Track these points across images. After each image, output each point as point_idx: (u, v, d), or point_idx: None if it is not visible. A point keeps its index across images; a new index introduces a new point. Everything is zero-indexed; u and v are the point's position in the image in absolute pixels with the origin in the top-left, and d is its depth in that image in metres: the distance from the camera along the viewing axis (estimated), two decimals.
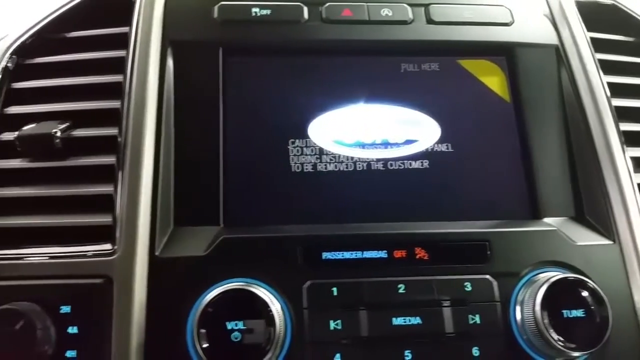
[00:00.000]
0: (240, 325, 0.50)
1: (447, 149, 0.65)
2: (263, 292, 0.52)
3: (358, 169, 0.63)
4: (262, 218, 0.61)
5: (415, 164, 0.63)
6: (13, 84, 0.65)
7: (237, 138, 0.63)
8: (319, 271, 0.56)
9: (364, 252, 0.56)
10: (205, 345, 0.49)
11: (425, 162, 0.64)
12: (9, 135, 0.62)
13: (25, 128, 0.61)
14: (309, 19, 0.68)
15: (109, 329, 0.53)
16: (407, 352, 0.53)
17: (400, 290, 0.55)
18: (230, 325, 0.50)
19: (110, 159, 0.60)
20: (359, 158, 0.63)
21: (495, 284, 0.55)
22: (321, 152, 0.63)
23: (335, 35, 0.67)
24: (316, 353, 0.53)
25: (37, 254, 0.56)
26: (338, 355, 0.52)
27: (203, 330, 0.50)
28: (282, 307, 0.52)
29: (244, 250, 0.56)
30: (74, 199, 0.59)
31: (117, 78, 0.63)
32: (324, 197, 0.61)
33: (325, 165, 0.63)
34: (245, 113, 0.64)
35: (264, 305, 0.51)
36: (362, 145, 0.64)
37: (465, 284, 0.55)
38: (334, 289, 0.54)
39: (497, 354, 0.53)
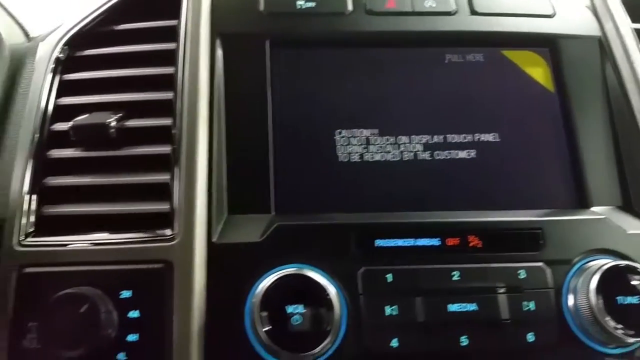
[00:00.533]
0: (300, 309, 0.51)
1: (494, 138, 0.65)
2: (320, 278, 0.52)
3: (405, 158, 0.63)
4: (312, 206, 0.61)
5: (462, 154, 0.64)
6: (65, 75, 0.66)
7: (285, 128, 0.64)
8: (373, 258, 0.56)
9: (417, 240, 0.57)
10: (266, 329, 0.50)
11: (472, 152, 0.64)
12: (62, 126, 0.63)
13: (79, 118, 0.62)
14: (353, 10, 0.68)
15: (169, 313, 0.53)
16: (462, 338, 0.53)
17: (455, 278, 0.55)
18: (290, 309, 0.51)
19: (164, 149, 0.60)
20: (405, 148, 0.63)
21: (548, 271, 0.56)
22: (368, 142, 0.64)
23: (380, 26, 0.68)
24: (373, 337, 0.53)
25: (95, 240, 0.57)
26: (395, 339, 0.53)
27: (264, 314, 0.50)
28: (337, 293, 0.53)
29: (298, 237, 0.57)
30: (127, 187, 0.60)
31: (168, 70, 0.64)
32: (371, 187, 0.62)
33: (372, 155, 0.63)
34: (292, 104, 0.65)
35: (323, 290, 0.52)
36: (409, 135, 0.64)
37: (519, 271, 0.56)
38: (389, 275, 0.55)
39: (552, 340, 0.54)
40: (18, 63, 0.74)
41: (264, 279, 0.54)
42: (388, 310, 0.54)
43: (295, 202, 0.62)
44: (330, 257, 0.56)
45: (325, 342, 0.50)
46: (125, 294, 0.54)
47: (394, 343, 0.53)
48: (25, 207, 0.59)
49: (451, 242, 0.57)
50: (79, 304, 0.51)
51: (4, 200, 0.62)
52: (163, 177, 0.59)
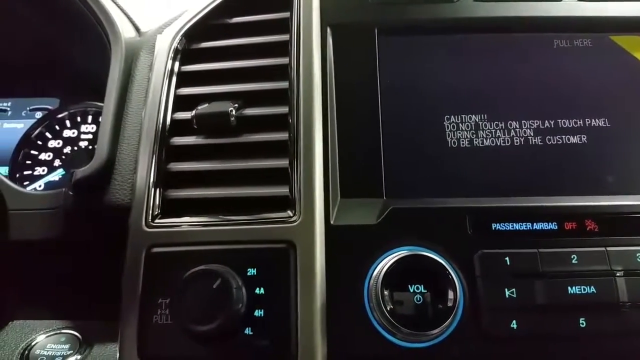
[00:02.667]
0: (421, 288, 0.52)
1: (604, 123, 0.64)
2: (439, 259, 0.54)
3: (515, 143, 0.64)
4: (422, 191, 0.63)
5: (573, 139, 0.64)
6: (183, 66, 0.70)
7: (394, 115, 0.65)
8: (489, 241, 0.57)
9: (534, 224, 0.57)
10: (387, 307, 0.52)
11: (583, 137, 0.64)
12: (184, 115, 0.67)
13: (200, 107, 0.66)
14: None
15: (292, 290, 0.56)
16: (581, 320, 0.54)
17: (574, 261, 0.55)
18: (412, 288, 0.52)
19: (281, 135, 0.63)
20: (515, 133, 0.64)
21: None
22: (477, 127, 0.64)
23: (488, 12, 0.68)
24: (491, 319, 0.54)
25: (219, 221, 0.60)
26: (514, 321, 0.53)
27: (385, 292, 0.52)
28: (455, 274, 0.54)
29: (413, 220, 0.58)
30: (246, 172, 0.63)
31: (282, 60, 0.67)
32: (481, 172, 0.63)
33: (482, 140, 0.64)
34: (401, 91, 0.66)
35: (444, 270, 0.53)
36: (519, 121, 0.64)
37: (638, 254, 0.55)
38: (507, 258, 0.55)
39: None
40: (132, 56, 0.79)
41: (382, 259, 0.56)
42: (507, 292, 0.54)
43: (406, 187, 0.63)
44: (446, 240, 0.57)
45: (446, 322, 0.51)
46: (251, 271, 0.57)
47: (513, 325, 0.53)
48: (152, 191, 0.63)
49: (568, 226, 0.57)
50: (212, 280, 0.54)
51: (128, 187, 0.66)
52: (282, 162, 0.62)
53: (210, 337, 0.54)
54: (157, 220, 0.62)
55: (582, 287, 0.54)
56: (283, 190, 0.60)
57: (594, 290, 0.54)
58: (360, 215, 0.59)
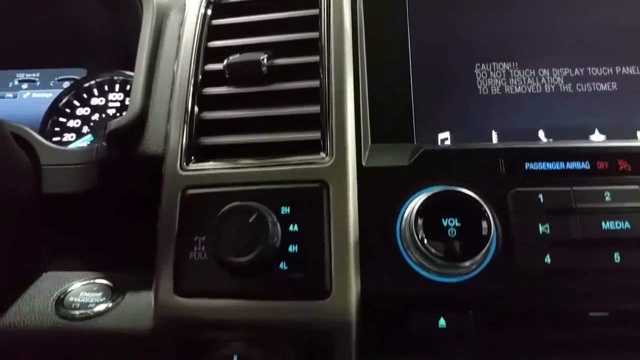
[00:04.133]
0: (455, 222, 0.52)
1: (635, 71, 0.64)
2: (473, 194, 0.54)
3: (546, 90, 0.64)
4: (453, 137, 0.63)
5: (604, 86, 0.64)
6: (214, 20, 0.71)
7: (425, 63, 0.66)
8: (522, 181, 0.57)
9: (567, 163, 0.57)
10: (423, 241, 0.53)
11: (614, 84, 0.64)
12: (215, 66, 0.68)
13: (232, 57, 0.67)
14: None
15: (325, 228, 0.57)
16: (616, 255, 0.54)
17: (607, 198, 0.55)
18: (445, 222, 0.52)
19: (312, 83, 0.64)
20: (546, 80, 0.64)
21: None
22: (507, 75, 0.65)
23: None
24: (525, 254, 0.54)
25: (251, 164, 0.61)
26: (548, 256, 0.54)
27: (420, 227, 0.52)
28: (488, 209, 0.54)
29: (446, 160, 0.59)
30: (277, 119, 0.64)
31: (312, 12, 0.68)
32: (513, 118, 0.63)
33: (513, 87, 0.64)
34: (432, 38, 0.67)
35: (477, 204, 0.53)
36: (549, 68, 0.64)
37: None
38: (540, 196, 0.56)
39: None
40: (163, 15, 0.80)
41: (414, 198, 0.56)
42: (541, 228, 0.55)
43: (436, 133, 0.63)
44: (478, 180, 0.57)
45: (480, 254, 0.52)
46: (285, 209, 0.58)
47: (547, 259, 0.54)
48: (185, 138, 0.64)
49: (601, 165, 0.58)
50: (248, 214, 0.55)
51: (161, 138, 0.68)
52: (314, 109, 0.63)
53: (246, 270, 0.54)
54: (191, 165, 0.62)
55: (616, 222, 0.54)
56: (315, 135, 0.61)
57: (628, 226, 0.54)
58: (391, 158, 0.60)
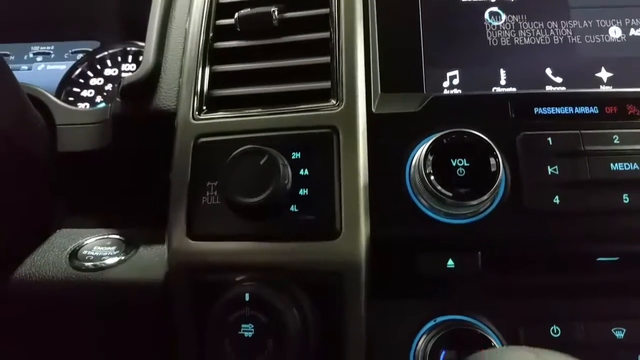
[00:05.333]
0: (465, 162, 0.53)
1: None
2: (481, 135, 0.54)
3: (555, 42, 0.64)
4: (463, 87, 0.63)
5: (612, 38, 0.64)
6: None
7: (435, 15, 0.66)
8: (531, 124, 0.57)
9: (575, 108, 0.58)
10: (432, 180, 0.53)
11: (623, 37, 0.64)
12: (226, 21, 0.69)
13: (242, 11, 0.67)
14: None
15: (335, 172, 0.58)
16: (625, 196, 0.54)
17: (616, 141, 0.56)
18: (454, 162, 0.53)
19: (322, 35, 0.65)
20: (555, 32, 0.64)
21: None
22: (517, 27, 0.65)
23: None
24: (534, 195, 0.55)
25: (264, 112, 0.62)
26: (556, 197, 0.54)
27: (429, 168, 0.53)
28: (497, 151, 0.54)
29: (455, 107, 0.60)
30: (288, 70, 0.64)
31: None
32: (522, 68, 0.63)
33: (522, 39, 0.65)
34: None
35: (486, 143, 0.53)
36: (557, 21, 0.65)
37: None
38: (549, 139, 0.56)
39: None
40: None
41: (424, 143, 0.56)
42: (549, 169, 0.55)
43: (445, 82, 0.64)
44: (488, 124, 0.57)
45: (487, 195, 0.52)
46: (295, 155, 0.58)
47: (556, 200, 0.54)
48: (197, 90, 0.65)
49: (609, 110, 0.58)
50: (259, 157, 0.56)
51: (174, 94, 0.69)
52: (324, 59, 0.63)
53: (258, 212, 0.55)
54: (203, 115, 0.63)
55: (625, 164, 0.55)
56: (325, 84, 0.62)
57: (637, 167, 0.54)
58: (401, 106, 0.60)
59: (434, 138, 0.54)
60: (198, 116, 0.63)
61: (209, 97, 0.65)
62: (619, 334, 0.56)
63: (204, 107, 0.64)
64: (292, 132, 0.60)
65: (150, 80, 0.70)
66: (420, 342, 0.57)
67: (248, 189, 0.55)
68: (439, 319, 0.58)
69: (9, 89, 0.65)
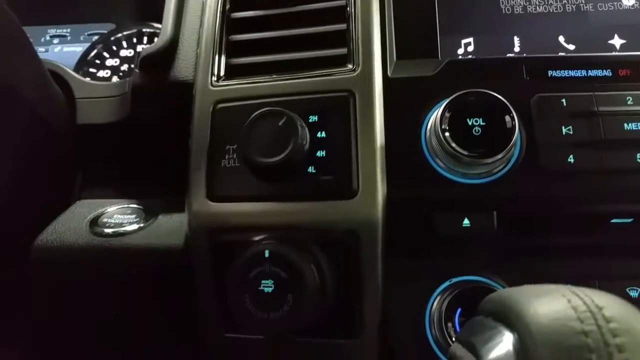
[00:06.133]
0: (481, 121, 0.54)
1: None
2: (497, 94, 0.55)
3: (567, 10, 0.65)
4: (476, 53, 0.64)
5: (625, 4, 0.64)
6: None
7: None
8: (545, 86, 0.58)
9: (589, 71, 0.58)
10: (448, 138, 0.54)
11: (636, 4, 0.65)
12: None
13: None
14: None
15: (352, 134, 0.59)
16: (638, 155, 0.54)
17: (629, 102, 0.56)
18: (470, 122, 0.54)
19: (338, 2, 0.66)
20: (567, 0, 0.65)
21: None
22: None
23: None
24: (549, 154, 0.56)
25: (281, 78, 0.63)
26: (571, 156, 0.55)
27: (445, 126, 0.54)
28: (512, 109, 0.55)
29: (469, 70, 0.61)
30: (304, 39, 0.66)
31: None
32: (536, 35, 0.64)
33: (535, 7, 0.66)
34: None
35: (501, 102, 0.54)
36: None
37: None
38: (563, 100, 0.57)
39: None
40: None
41: (439, 105, 0.57)
42: (564, 130, 0.56)
43: (459, 48, 0.65)
44: (502, 86, 0.58)
45: (502, 153, 0.53)
46: (312, 118, 0.60)
47: (570, 159, 0.55)
48: (215, 58, 0.66)
49: (623, 72, 0.59)
50: (277, 118, 0.57)
51: (191, 64, 0.70)
52: (340, 26, 0.65)
53: (276, 173, 0.56)
54: (221, 82, 0.65)
55: (638, 124, 0.55)
56: (341, 51, 0.63)
57: None
58: (416, 71, 0.61)
59: (447, 102, 0.54)
60: (216, 83, 0.64)
61: (227, 65, 0.66)
62: (634, 294, 0.57)
63: (222, 75, 0.65)
64: (309, 96, 0.60)
65: (169, 51, 0.71)
66: (436, 302, 0.58)
67: (267, 150, 0.56)
68: (455, 279, 0.59)
69: (30, 59, 0.66)
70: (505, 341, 0.32)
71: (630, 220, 0.57)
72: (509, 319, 0.33)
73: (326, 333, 0.59)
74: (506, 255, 0.58)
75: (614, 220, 0.58)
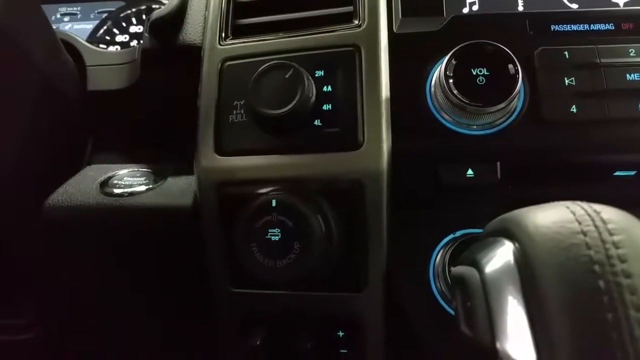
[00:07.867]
0: (485, 71, 0.55)
1: None
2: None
3: None
4: (482, 11, 0.65)
5: None
6: None
7: None
8: (548, 40, 0.59)
9: (592, 25, 0.59)
10: (452, 87, 0.55)
11: None
12: None
13: None
14: None
15: (357, 88, 0.60)
16: None
17: (632, 54, 0.57)
18: (475, 72, 0.55)
19: None
20: None
21: None
22: None
23: None
24: (552, 105, 0.56)
25: (288, 35, 0.65)
26: (574, 106, 0.56)
27: (450, 78, 0.54)
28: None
29: (474, 25, 0.61)
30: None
31: None
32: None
33: None
34: None
35: (505, 52, 0.55)
36: None
37: None
38: (566, 52, 0.58)
39: None
40: None
41: (443, 60, 0.58)
42: (566, 81, 0.57)
43: (464, 6, 0.65)
44: (507, 39, 0.58)
45: (506, 102, 0.54)
46: (319, 73, 0.60)
47: (573, 109, 0.56)
48: (223, 17, 0.68)
49: (625, 26, 0.59)
50: (284, 71, 0.58)
51: (200, 29, 0.72)
52: None
53: (283, 125, 0.57)
54: (229, 40, 0.66)
55: None
56: (347, 8, 0.64)
57: None
58: (422, 27, 0.62)
59: (450, 54, 0.55)
60: (224, 42, 0.65)
61: (235, 25, 0.67)
62: None
63: (230, 35, 0.66)
64: (316, 51, 0.61)
65: (178, 15, 0.72)
66: (440, 254, 0.58)
67: (274, 102, 0.57)
68: (459, 232, 0.59)
69: (43, 26, 0.68)
70: (506, 249, 0.33)
71: (633, 173, 0.58)
72: (510, 230, 0.34)
73: (332, 286, 0.59)
74: (509, 207, 0.59)
75: (617, 173, 0.58)
